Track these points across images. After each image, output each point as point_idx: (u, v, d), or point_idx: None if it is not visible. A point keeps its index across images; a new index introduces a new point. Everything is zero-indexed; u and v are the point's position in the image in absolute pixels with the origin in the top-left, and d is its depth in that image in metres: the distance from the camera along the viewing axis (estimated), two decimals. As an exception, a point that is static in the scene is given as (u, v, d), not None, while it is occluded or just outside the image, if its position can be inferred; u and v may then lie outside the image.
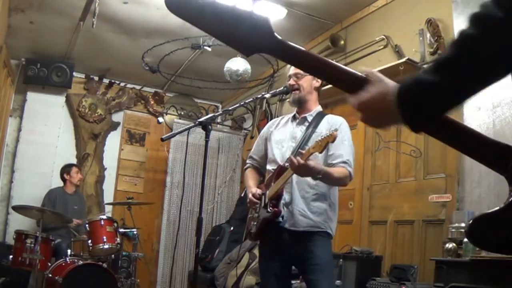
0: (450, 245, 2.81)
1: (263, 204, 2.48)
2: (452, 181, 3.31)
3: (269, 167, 2.61)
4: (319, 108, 2.67)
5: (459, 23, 3.32)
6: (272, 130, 2.73)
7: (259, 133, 5.81)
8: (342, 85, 0.98)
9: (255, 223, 2.53)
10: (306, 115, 2.62)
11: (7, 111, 5.60)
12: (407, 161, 3.72)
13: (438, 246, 3.12)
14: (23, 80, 5.77)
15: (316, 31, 4.89)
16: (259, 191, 2.52)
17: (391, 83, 0.93)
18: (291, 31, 4.83)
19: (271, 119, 5.63)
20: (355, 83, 0.96)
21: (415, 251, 3.48)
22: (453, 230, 2.89)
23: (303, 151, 2.26)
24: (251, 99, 2.85)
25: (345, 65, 4.43)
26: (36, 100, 5.87)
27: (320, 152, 2.23)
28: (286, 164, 2.44)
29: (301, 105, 2.62)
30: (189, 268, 5.98)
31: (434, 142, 3.54)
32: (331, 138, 2.13)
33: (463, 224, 2.84)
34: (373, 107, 0.94)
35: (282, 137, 2.63)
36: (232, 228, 5.59)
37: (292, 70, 2.64)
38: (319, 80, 2.66)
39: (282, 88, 2.66)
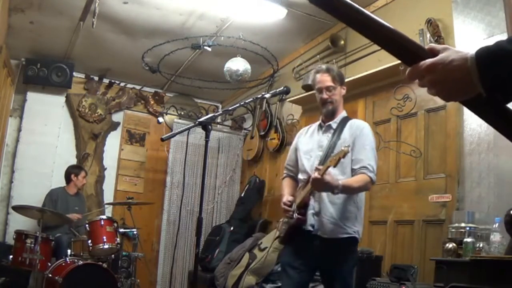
0: (450, 245, 2.81)
1: (292, 212, 2.58)
2: (452, 181, 3.31)
3: (301, 176, 2.67)
4: (343, 113, 2.71)
5: (459, 23, 3.32)
6: (300, 139, 2.79)
7: (259, 133, 5.86)
8: (406, 55, 0.92)
9: (284, 227, 2.62)
10: (331, 122, 2.66)
11: (7, 111, 5.60)
12: (407, 161, 3.72)
13: (438, 246, 3.12)
14: (23, 80, 5.76)
15: (316, 31, 4.89)
16: (290, 198, 2.61)
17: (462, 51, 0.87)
18: (291, 31, 4.84)
19: (271, 119, 5.70)
20: (422, 55, 0.90)
21: (415, 251, 3.48)
22: (453, 230, 2.89)
23: (320, 167, 2.34)
24: (251, 99, 2.85)
25: (345, 65, 4.47)
26: (36, 100, 5.86)
27: (334, 166, 2.32)
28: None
29: (332, 115, 2.67)
30: (189, 268, 5.98)
31: (434, 142, 3.54)
32: (342, 154, 2.24)
33: (463, 224, 2.84)
34: (446, 68, 0.86)
35: (309, 147, 2.69)
36: (232, 228, 5.59)
37: (324, 82, 2.62)
38: (345, 87, 2.70)
39: (282, 88, 2.68)
